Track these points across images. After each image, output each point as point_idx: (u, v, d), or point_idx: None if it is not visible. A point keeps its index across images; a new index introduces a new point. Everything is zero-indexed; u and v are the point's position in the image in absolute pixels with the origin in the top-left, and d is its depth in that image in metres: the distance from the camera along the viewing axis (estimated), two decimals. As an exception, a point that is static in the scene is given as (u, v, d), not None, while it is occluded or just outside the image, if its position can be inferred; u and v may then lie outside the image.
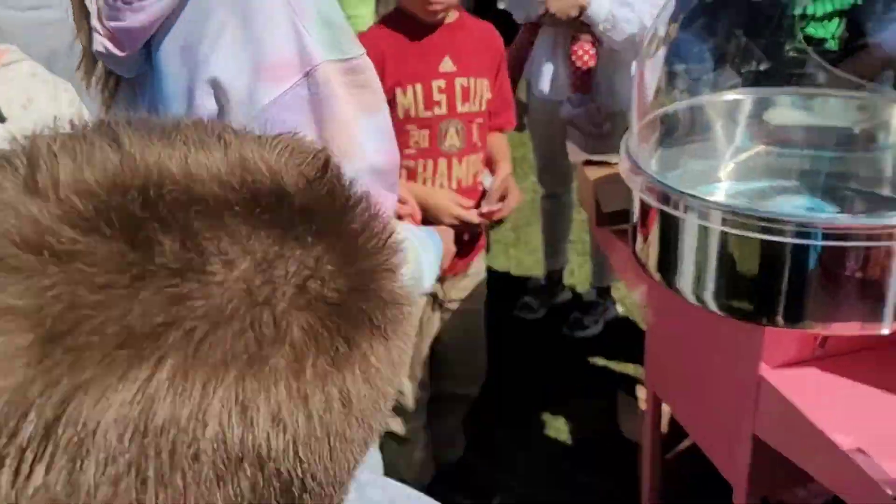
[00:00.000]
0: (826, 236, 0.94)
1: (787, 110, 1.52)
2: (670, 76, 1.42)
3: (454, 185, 1.70)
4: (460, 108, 1.66)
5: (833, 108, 1.45)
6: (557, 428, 2.29)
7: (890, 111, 1.37)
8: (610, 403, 2.24)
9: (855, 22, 1.59)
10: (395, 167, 0.90)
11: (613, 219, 1.54)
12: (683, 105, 1.43)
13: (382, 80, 1.59)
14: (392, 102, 1.61)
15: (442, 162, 1.67)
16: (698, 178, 1.45)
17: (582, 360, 2.57)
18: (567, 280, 2.96)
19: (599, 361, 2.55)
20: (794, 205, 1.22)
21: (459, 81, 1.65)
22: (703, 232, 1.04)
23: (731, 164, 1.50)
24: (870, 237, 0.93)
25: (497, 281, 3.17)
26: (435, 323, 1.80)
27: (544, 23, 2.34)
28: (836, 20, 1.61)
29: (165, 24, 0.78)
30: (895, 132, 1.40)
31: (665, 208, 1.07)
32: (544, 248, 2.86)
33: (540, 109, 2.49)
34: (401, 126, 1.62)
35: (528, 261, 3.29)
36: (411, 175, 1.67)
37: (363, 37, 1.63)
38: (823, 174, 1.43)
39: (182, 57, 0.79)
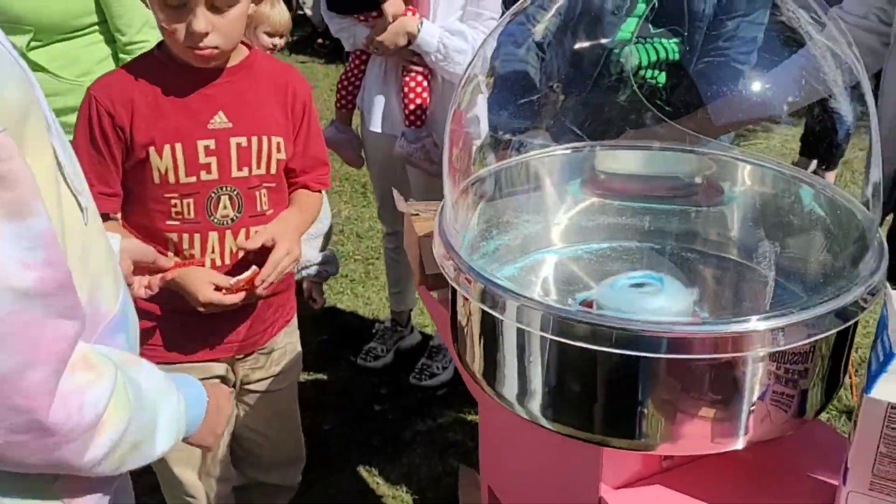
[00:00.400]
0: (668, 346, 0.79)
1: (621, 162, 1.39)
2: (494, 128, 1.25)
3: (228, 261, 1.40)
4: (235, 173, 1.35)
5: (670, 160, 1.33)
6: (400, 498, 2.08)
7: (731, 166, 1.26)
8: (456, 467, 2.06)
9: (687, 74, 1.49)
10: (62, 288, 0.66)
11: (438, 282, 1.34)
12: (512, 162, 1.27)
13: (131, 135, 1.28)
14: (145, 164, 1.32)
15: (213, 235, 1.36)
16: (530, 241, 1.29)
17: (429, 412, 2.38)
18: (417, 320, 2.77)
19: (449, 415, 2.37)
20: (632, 277, 1.07)
21: (236, 141, 1.34)
22: (525, 336, 0.86)
23: (566, 221, 1.35)
24: (717, 347, 0.79)
25: (341, 323, 2.95)
26: (232, 410, 1.54)
27: (373, 52, 2.13)
28: (663, 71, 1.50)
29: None
30: (738, 185, 1.29)
31: (482, 306, 0.89)
32: (389, 289, 2.66)
33: (375, 144, 2.28)
34: (157, 194, 1.33)
35: (377, 299, 3.07)
36: (177, 250, 1.37)
37: (103, 81, 1.34)
38: (664, 232, 1.31)
39: None
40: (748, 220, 1.23)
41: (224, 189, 1.35)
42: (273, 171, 1.39)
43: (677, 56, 1.59)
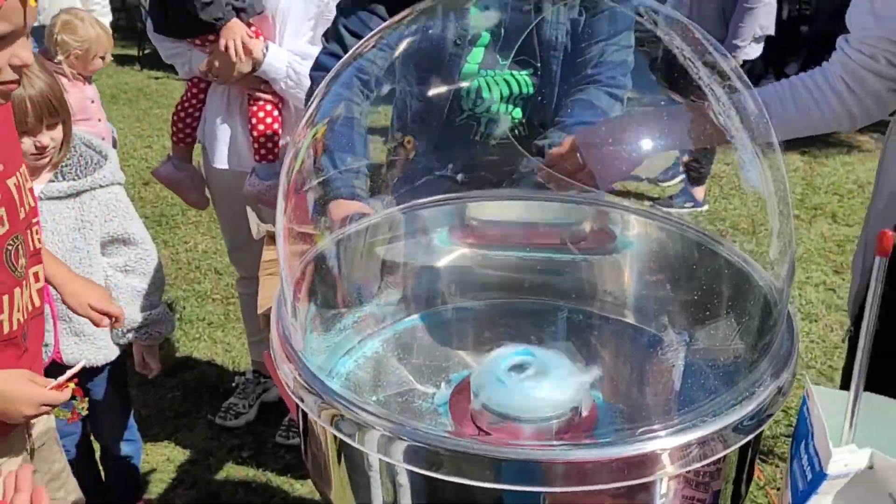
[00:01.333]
0: (564, 476, 0.62)
1: (496, 208, 1.23)
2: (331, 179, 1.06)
3: (26, 315, 1.17)
4: (22, 216, 1.14)
5: (546, 209, 1.18)
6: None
7: (618, 214, 1.12)
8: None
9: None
10: None
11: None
12: (378, 217, 1.08)
13: None
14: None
15: (18, 293, 1.13)
16: (394, 307, 1.11)
17: (299, 474, 2.14)
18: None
19: (320, 476, 2.14)
20: (515, 353, 0.90)
21: (12, 182, 1.12)
22: (387, 470, 0.67)
23: (433, 277, 1.18)
24: (617, 476, 0.63)
25: (197, 375, 2.64)
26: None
27: (212, 79, 1.88)
28: (517, 106, 1.34)
29: None
30: (631, 231, 1.15)
31: (328, 427, 0.69)
32: (248, 337, 2.40)
33: (221, 182, 2.02)
34: None
35: (238, 344, 2.78)
36: None
37: None
38: (548, 287, 1.16)
39: None
40: (644, 274, 1.10)
41: (18, 238, 1.12)
42: (33, 202, 1.19)
43: (531, 89, 1.44)
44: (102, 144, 1.61)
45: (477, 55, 1.38)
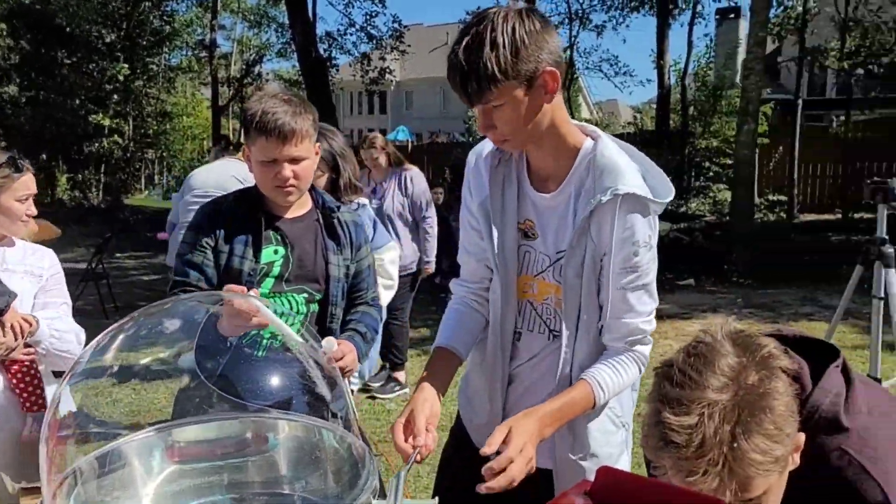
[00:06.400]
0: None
1: (192, 431, 1.77)
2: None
3: None
4: None
5: (233, 425, 1.75)
6: None
7: (271, 423, 1.74)
8: None
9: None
10: None
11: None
12: (93, 456, 1.56)
13: None
14: None
15: None
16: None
17: None
18: None
19: None
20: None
21: None
22: None
23: (153, 491, 1.67)
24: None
25: None
26: None
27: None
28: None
29: None
30: (280, 434, 1.76)
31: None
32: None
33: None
34: None
35: None
36: None
37: None
38: (239, 483, 1.70)
39: None
40: (290, 460, 1.70)
41: None
42: None
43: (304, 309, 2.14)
44: None
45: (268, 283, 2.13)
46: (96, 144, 19.20)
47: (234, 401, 1.73)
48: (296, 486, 1.65)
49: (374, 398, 5.45)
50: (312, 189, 2.31)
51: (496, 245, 1.80)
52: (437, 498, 1.47)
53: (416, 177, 5.41)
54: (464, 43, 1.59)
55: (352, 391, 1.77)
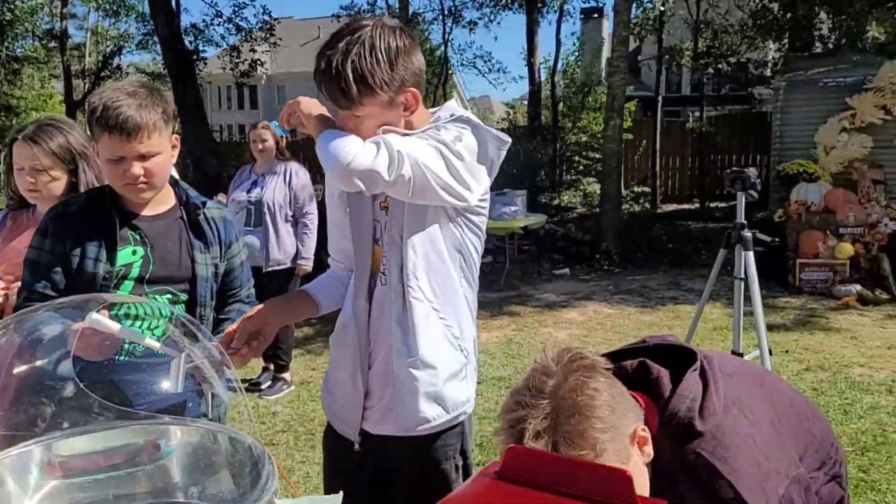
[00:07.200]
0: None
1: (77, 443, 1.65)
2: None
3: None
4: None
5: (121, 434, 1.65)
6: None
7: (163, 429, 1.65)
8: None
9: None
10: None
11: None
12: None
13: None
14: None
15: None
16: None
17: None
18: None
19: None
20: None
21: None
22: None
23: (32, 510, 1.55)
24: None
25: None
26: None
27: None
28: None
29: None
30: (172, 440, 1.67)
31: None
32: None
33: None
34: None
35: None
36: None
37: None
38: (127, 495, 1.60)
39: None
40: (184, 467, 1.62)
41: None
42: None
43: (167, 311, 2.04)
44: None
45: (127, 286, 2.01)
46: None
47: (119, 409, 1.63)
48: (190, 492, 1.57)
49: (260, 399, 5.31)
50: (176, 184, 2.21)
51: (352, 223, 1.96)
52: (341, 493, 1.45)
53: (299, 171, 5.32)
54: (339, 48, 1.68)
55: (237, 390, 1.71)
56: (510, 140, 1.87)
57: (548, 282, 9.51)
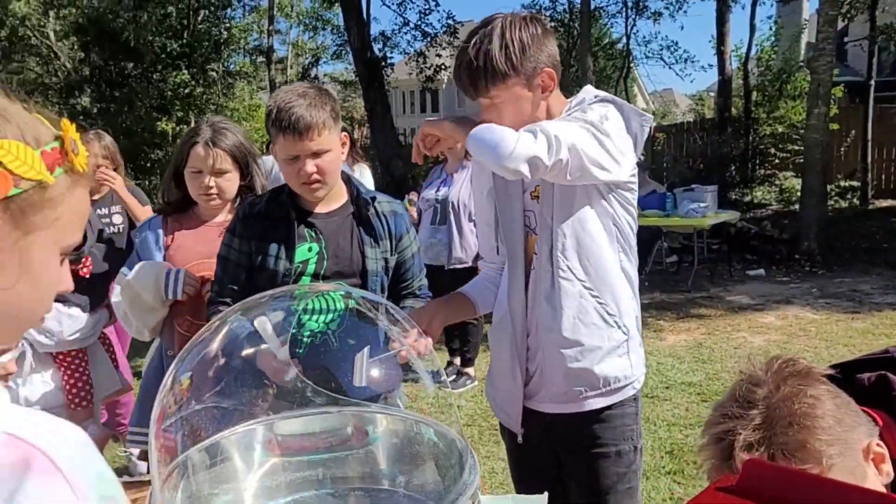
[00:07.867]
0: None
1: (293, 425, 1.78)
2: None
3: None
4: None
5: (330, 419, 1.76)
6: None
7: (369, 417, 1.73)
8: None
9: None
10: None
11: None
12: (198, 447, 1.58)
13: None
14: None
15: None
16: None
17: None
18: None
19: None
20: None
21: None
22: None
23: (255, 484, 1.68)
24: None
25: None
26: None
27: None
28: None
29: None
30: (379, 428, 1.75)
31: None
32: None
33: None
34: None
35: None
36: None
37: None
38: (335, 477, 1.70)
39: None
40: (389, 455, 1.69)
41: None
42: None
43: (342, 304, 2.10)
44: None
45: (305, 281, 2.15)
46: (161, 151, 19.79)
47: (330, 395, 1.73)
48: (397, 481, 1.64)
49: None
50: (349, 180, 2.29)
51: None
52: (545, 493, 1.45)
53: (485, 172, 5.39)
54: (473, 42, 1.82)
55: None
56: (652, 117, 1.92)
57: (740, 283, 8.94)
